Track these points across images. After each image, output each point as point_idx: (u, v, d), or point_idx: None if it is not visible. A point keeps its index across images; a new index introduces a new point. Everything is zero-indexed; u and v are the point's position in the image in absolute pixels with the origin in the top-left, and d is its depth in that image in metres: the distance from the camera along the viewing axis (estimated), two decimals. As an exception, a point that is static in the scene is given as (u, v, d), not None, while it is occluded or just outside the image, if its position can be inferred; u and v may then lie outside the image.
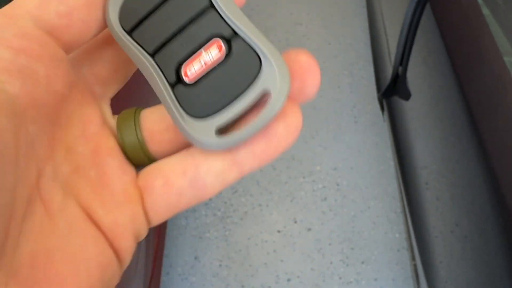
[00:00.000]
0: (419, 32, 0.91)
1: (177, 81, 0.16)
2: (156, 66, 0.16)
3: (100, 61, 0.18)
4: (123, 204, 0.17)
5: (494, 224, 0.57)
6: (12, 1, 0.15)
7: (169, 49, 0.16)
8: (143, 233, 0.17)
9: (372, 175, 1.35)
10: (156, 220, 0.17)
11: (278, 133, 0.16)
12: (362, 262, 1.19)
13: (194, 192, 0.17)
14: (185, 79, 0.16)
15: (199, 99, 0.16)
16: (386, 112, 1.18)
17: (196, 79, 0.16)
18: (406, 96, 0.98)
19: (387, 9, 1.23)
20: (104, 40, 0.18)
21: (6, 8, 0.15)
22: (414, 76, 0.94)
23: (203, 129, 0.16)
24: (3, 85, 0.14)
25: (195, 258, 1.20)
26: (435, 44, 0.80)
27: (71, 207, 0.16)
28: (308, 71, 0.16)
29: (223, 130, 0.16)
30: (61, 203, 0.16)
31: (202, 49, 0.16)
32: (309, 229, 1.25)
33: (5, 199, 0.13)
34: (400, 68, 1.00)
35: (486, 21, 0.67)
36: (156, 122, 0.18)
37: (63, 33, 0.16)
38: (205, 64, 0.16)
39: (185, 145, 0.18)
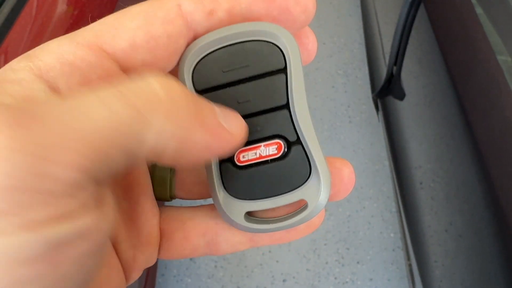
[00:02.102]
0: (413, 32, 0.91)
1: (227, 159, 0.17)
2: None
3: None
4: (144, 245, 0.18)
5: (488, 223, 0.57)
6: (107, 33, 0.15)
7: None
8: (150, 265, 0.19)
9: (367, 175, 1.35)
10: (166, 258, 0.19)
11: (298, 228, 0.18)
12: (358, 262, 1.19)
13: (207, 250, 0.18)
14: (236, 160, 0.17)
15: (241, 182, 0.17)
16: (380, 112, 1.18)
17: (245, 164, 0.17)
18: (401, 96, 0.98)
19: (382, 9, 1.24)
20: None
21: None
22: (409, 76, 0.95)
23: (235, 209, 0.17)
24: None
25: (190, 259, 1.20)
26: (429, 44, 0.80)
27: None
28: (346, 184, 0.18)
29: (251, 213, 0.18)
30: None
31: (262, 144, 0.17)
32: (305, 229, 1.25)
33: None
34: (395, 68, 1.00)
35: (479, 20, 0.67)
36: (191, 174, 0.19)
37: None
38: (260, 156, 0.17)
39: (208, 195, 0.19)
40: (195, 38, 0.16)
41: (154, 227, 0.18)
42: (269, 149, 0.17)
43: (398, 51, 0.96)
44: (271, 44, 0.16)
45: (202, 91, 0.17)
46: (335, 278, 1.17)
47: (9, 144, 0.10)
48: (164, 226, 0.18)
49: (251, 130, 0.17)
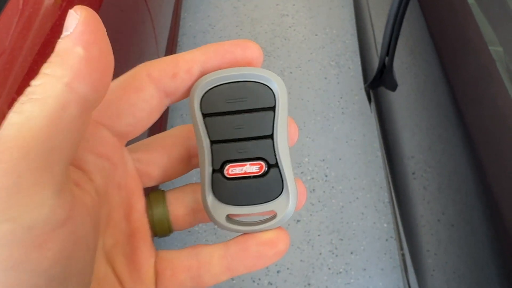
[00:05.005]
0: (405, 23, 0.91)
1: (218, 170, 0.22)
2: (210, 152, 0.22)
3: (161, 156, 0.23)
4: (144, 282, 0.22)
5: (480, 212, 0.58)
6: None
7: (227, 147, 0.21)
8: None
9: (359, 165, 1.35)
10: None
11: (267, 256, 0.22)
12: (351, 253, 1.20)
13: (194, 284, 0.22)
14: (225, 172, 0.22)
15: (227, 189, 0.22)
16: (373, 103, 1.18)
17: (232, 177, 0.22)
18: (393, 86, 0.98)
19: (373, 0, 1.23)
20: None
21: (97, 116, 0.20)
22: (401, 66, 0.95)
23: (218, 210, 0.22)
24: (90, 185, 0.19)
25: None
26: (421, 34, 0.80)
27: (111, 277, 0.20)
28: (303, 197, 0.22)
29: (231, 216, 0.22)
30: (104, 272, 0.20)
31: (248, 162, 0.22)
32: (298, 221, 1.25)
33: (88, 274, 0.18)
34: (387, 59, 1.00)
35: (471, 10, 0.67)
36: (180, 208, 0.23)
37: (128, 137, 0.21)
38: (245, 172, 0.22)
39: (198, 221, 0.24)
40: (166, 96, 0.21)
41: (151, 268, 0.22)
42: (253, 168, 0.22)
43: (390, 41, 0.96)
44: (266, 86, 0.21)
45: (207, 115, 0.21)
46: (329, 268, 1.17)
47: None
48: (158, 266, 0.22)
49: (242, 150, 0.21)
